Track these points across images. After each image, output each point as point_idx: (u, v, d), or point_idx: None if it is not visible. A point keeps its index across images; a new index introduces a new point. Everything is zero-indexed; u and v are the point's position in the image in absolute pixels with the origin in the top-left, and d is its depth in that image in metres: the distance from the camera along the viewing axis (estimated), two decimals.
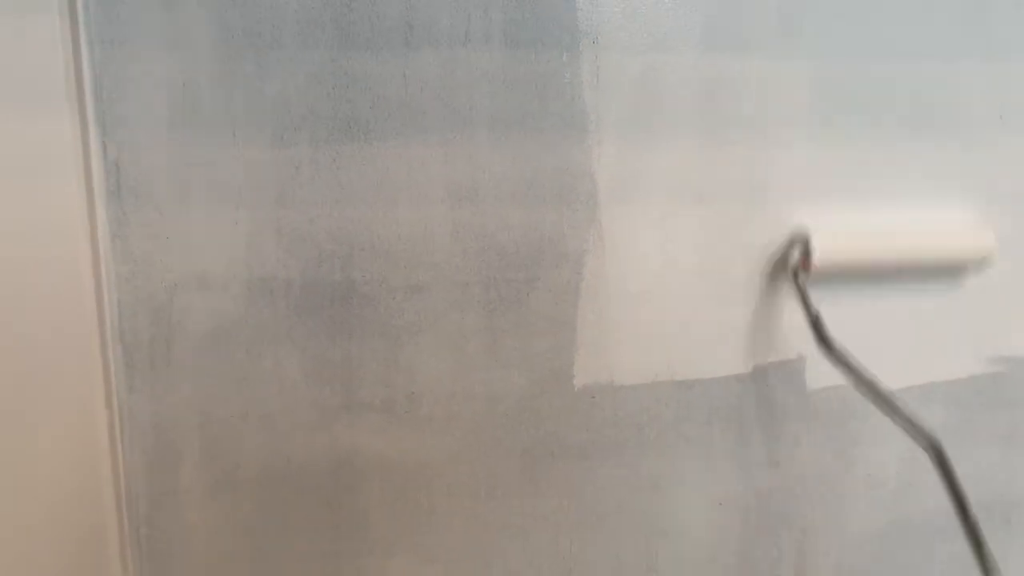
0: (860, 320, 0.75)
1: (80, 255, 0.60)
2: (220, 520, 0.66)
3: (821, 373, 0.75)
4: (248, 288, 0.63)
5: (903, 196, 0.76)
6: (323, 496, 0.67)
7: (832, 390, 0.76)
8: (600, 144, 0.66)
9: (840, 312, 0.73)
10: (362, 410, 0.67)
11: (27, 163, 0.58)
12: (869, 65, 0.73)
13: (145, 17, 0.58)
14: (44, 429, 0.62)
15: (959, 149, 0.77)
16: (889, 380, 0.74)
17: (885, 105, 0.74)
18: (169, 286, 0.62)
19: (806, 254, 0.72)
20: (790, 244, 0.73)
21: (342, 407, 0.66)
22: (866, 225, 0.75)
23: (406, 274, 0.65)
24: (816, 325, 0.72)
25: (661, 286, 0.70)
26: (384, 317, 0.65)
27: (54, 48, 0.57)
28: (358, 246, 0.64)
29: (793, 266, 0.73)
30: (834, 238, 0.72)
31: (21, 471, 0.62)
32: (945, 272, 0.79)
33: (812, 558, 0.78)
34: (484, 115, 0.63)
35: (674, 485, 0.73)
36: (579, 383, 0.70)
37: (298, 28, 0.60)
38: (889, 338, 0.77)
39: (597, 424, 0.70)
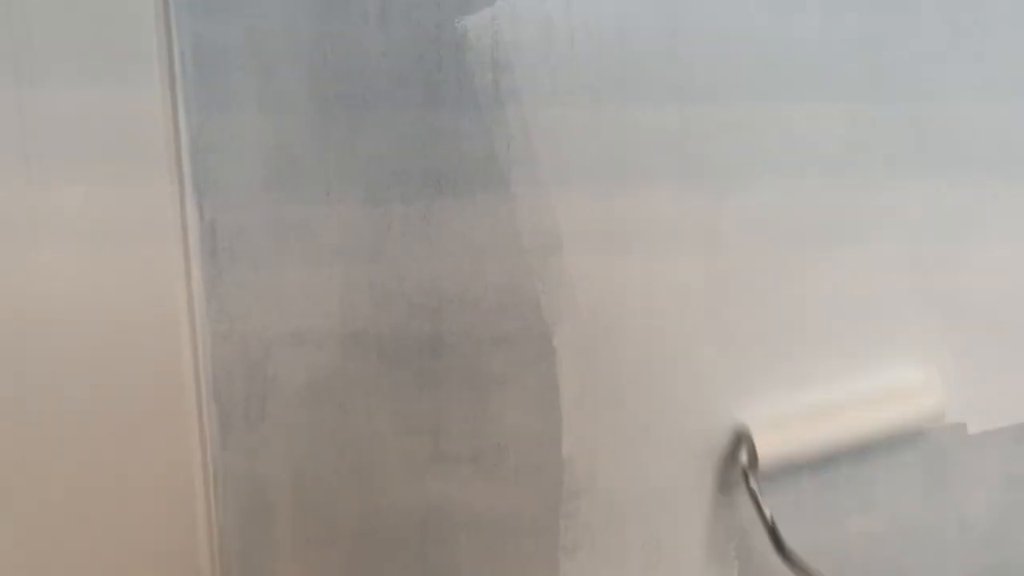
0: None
1: (178, 316, 0.61)
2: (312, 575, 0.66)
3: None
4: (341, 343, 0.64)
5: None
6: (412, 550, 0.67)
7: None
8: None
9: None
10: (450, 462, 0.67)
11: (128, 228, 0.60)
12: None
13: (241, 83, 0.60)
14: (141, 488, 0.63)
15: None
16: None
17: None
18: (265, 343, 0.63)
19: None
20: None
21: (431, 459, 0.66)
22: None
23: (494, 326, 0.66)
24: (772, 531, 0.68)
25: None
26: (472, 369, 0.66)
27: (154, 116, 0.59)
28: (446, 299, 0.65)
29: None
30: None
31: (118, 528, 0.62)
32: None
33: None
34: (574, 169, 0.64)
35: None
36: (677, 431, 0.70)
37: (389, 89, 0.61)
38: None
39: None
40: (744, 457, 0.69)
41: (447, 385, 0.66)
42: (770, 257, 0.69)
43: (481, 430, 0.67)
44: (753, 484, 0.69)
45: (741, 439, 0.70)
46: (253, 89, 0.60)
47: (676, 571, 0.71)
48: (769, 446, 0.68)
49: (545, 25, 0.63)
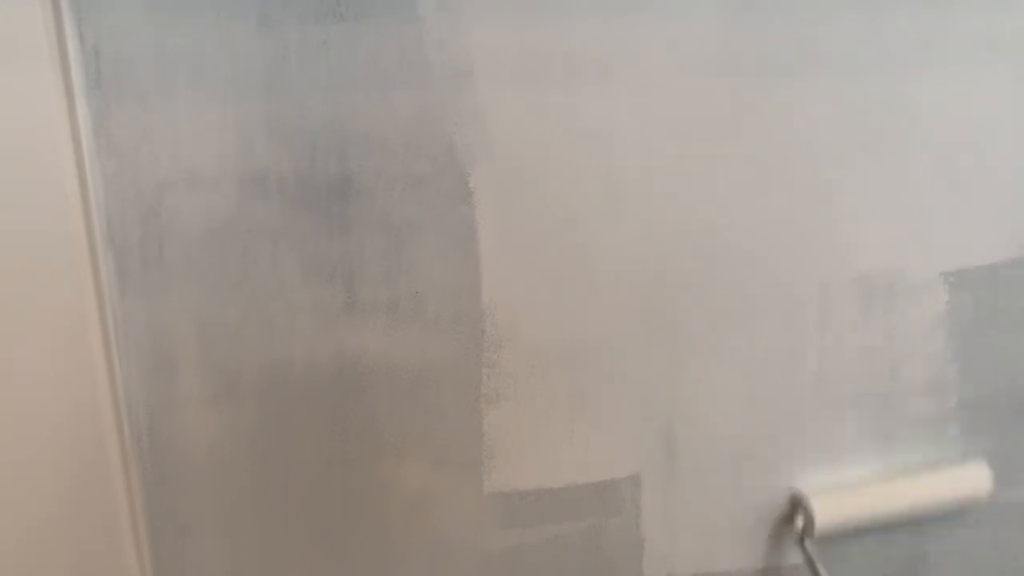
0: None
1: (62, 151, 0.57)
2: (223, 428, 0.64)
3: None
4: (240, 185, 0.60)
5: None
6: (328, 401, 0.65)
7: None
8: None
9: None
10: (365, 311, 0.64)
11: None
12: None
13: None
14: (34, 339, 0.60)
15: None
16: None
17: None
18: (158, 183, 0.59)
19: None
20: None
21: (344, 308, 0.64)
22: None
23: (405, 166, 0.62)
24: None
25: None
26: (384, 212, 0.63)
27: None
28: (352, 138, 0.61)
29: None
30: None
31: (13, 384, 0.60)
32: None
33: None
34: None
35: None
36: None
37: None
38: None
39: None
40: (800, 522, 0.72)
41: (358, 230, 0.63)
42: (701, 94, 0.65)
43: (396, 277, 0.64)
44: (809, 548, 0.71)
45: (797, 504, 0.72)
46: None
47: (600, 421, 0.69)
48: (826, 512, 0.71)
49: None
